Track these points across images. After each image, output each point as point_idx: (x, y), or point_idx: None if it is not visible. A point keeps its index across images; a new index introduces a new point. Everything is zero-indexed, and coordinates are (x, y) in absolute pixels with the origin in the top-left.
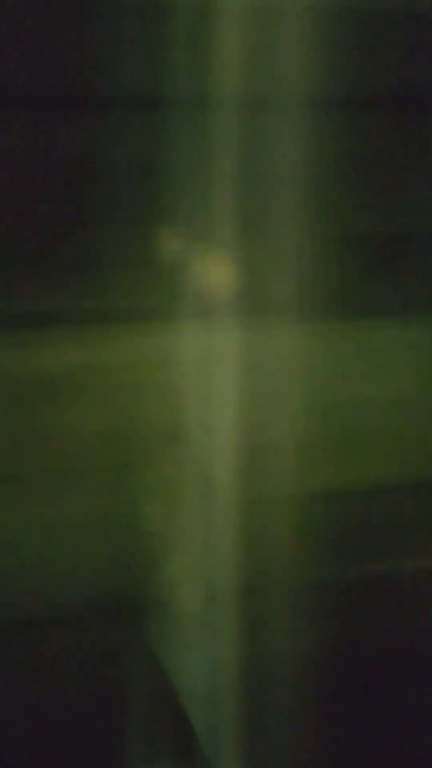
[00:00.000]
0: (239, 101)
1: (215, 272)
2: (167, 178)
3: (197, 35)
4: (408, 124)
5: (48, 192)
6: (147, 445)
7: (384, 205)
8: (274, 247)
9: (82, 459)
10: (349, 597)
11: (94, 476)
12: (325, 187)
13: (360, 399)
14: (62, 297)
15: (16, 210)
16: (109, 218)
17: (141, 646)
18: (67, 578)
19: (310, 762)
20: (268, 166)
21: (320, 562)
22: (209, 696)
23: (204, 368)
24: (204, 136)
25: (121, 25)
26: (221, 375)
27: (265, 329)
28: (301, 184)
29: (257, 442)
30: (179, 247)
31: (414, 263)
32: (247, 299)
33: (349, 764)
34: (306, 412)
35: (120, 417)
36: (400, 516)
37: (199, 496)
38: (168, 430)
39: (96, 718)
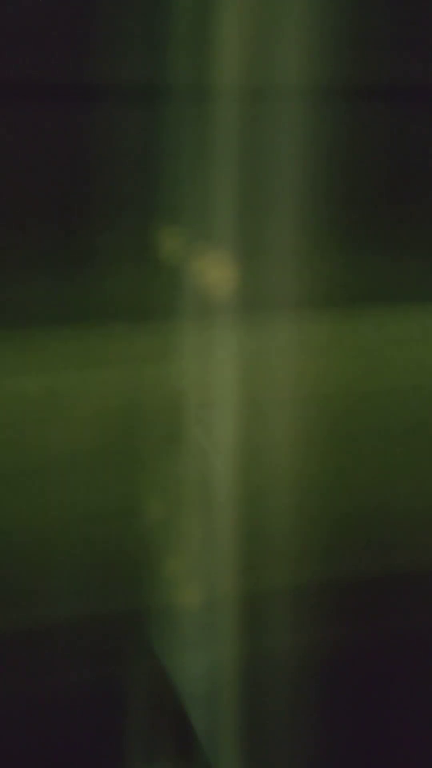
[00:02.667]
0: (240, 92)
1: (215, 267)
2: (166, 169)
3: (197, 25)
4: (410, 114)
5: (43, 184)
6: (146, 445)
7: (386, 196)
8: (275, 240)
9: (81, 457)
10: (349, 597)
11: (93, 476)
12: (327, 178)
13: (362, 394)
14: (58, 294)
15: (9, 203)
16: (106, 209)
17: (142, 646)
18: (68, 579)
19: (310, 762)
20: (269, 157)
21: (321, 562)
22: (210, 696)
23: (204, 366)
24: (204, 127)
25: (119, 15)
26: (222, 373)
27: (266, 326)
28: (302, 176)
29: (258, 442)
30: (177, 240)
31: (417, 254)
32: (247, 295)
33: (349, 764)
34: (308, 409)
35: (120, 416)
36: (402, 510)
37: (200, 496)
38: (168, 430)
39: (97, 718)
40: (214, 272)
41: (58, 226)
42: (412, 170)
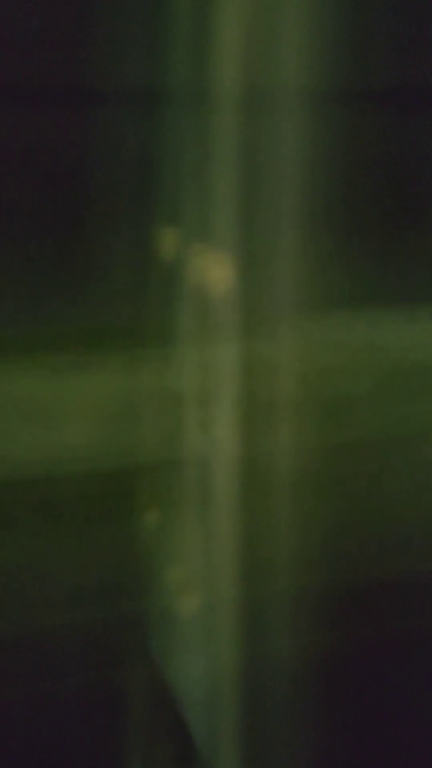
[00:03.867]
0: (239, 97)
1: (216, 271)
2: (165, 174)
3: (197, 30)
4: (409, 119)
5: (43, 188)
6: (146, 449)
7: (386, 200)
8: (274, 244)
9: (82, 459)
10: (349, 601)
11: (92, 481)
12: (326, 181)
13: (363, 397)
14: (59, 295)
15: (9, 206)
16: (106, 213)
17: (140, 651)
18: (67, 584)
19: (309, 767)
20: (269, 160)
21: (320, 567)
22: (208, 700)
23: (204, 368)
24: (204, 131)
25: (119, 20)
26: (222, 375)
27: (266, 328)
28: (301, 180)
29: (258, 446)
30: (179, 245)
31: (415, 259)
32: (247, 299)
33: None
34: (308, 412)
35: (119, 419)
36: (403, 517)
37: (200, 501)
38: (168, 434)
39: (96, 723)
40: (214, 276)
41: (58, 228)
42: (411, 174)
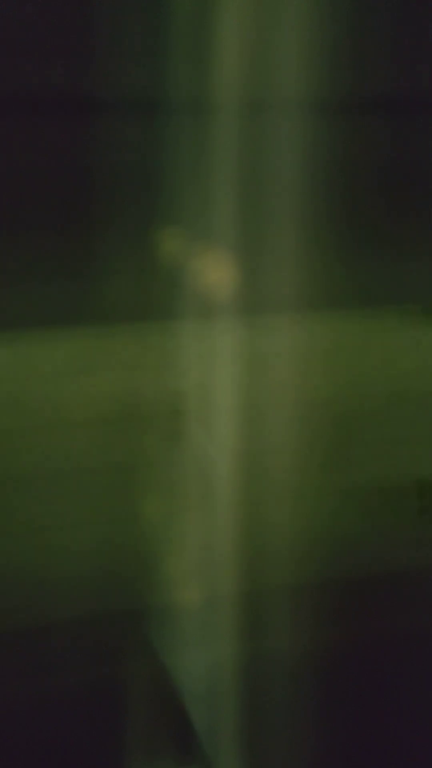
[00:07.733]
0: (239, 104)
1: (216, 273)
2: (167, 181)
3: (197, 38)
4: (406, 126)
5: (47, 194)
6: (147, 445)
7: (382, 203)
8: (274, 247)
9: (83, 458)
10: (349, 597)
11: (93, 477)
12: (324, 188)
13: (362, 395)
14: (61, 296)
15: (15, 212)
16: (109, 220)
17: (142, 645)
18: (69, 579)
19: (309, 761)
20: (268, 168)
21: (320, 562)
22: (210, 695)
23: (205, 367)
24: (204, 139)
25: (120, 29)
26: (222, 373)
27: (266, 327)
28: (300, 186)
29: (257, 442)
30: (180, 248)
31: (411, 261)
32: (247, 299)
33: (349, 763)
34: (307, 410)
35: (120, 416)
36: (401, 515)
37: (201, 496)
38: (168, 430)
39: (98, 716)
40: (215, 275)
41: (62, 231)
42: (405, 177)
